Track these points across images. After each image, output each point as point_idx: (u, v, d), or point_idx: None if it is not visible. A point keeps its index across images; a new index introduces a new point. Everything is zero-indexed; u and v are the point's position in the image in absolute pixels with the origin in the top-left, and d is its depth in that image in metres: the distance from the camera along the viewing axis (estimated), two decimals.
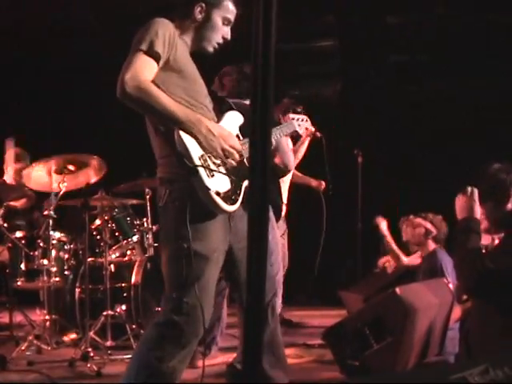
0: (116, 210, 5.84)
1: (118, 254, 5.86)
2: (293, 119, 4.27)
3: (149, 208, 5.93)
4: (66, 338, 5.50)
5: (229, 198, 3.10)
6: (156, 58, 2.98)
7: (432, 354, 4.26)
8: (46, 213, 5.39)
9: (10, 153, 6.39)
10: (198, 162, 2.98)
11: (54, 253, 5.41)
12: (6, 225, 5.66)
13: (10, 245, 5.49)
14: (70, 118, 8.72)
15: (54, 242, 5.44)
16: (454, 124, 8.23)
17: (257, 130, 1.54)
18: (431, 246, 5.40)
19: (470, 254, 3.15)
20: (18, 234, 5.52)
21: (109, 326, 5.29)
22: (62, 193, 5.38)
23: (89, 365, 4.63)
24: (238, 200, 3.16)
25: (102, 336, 5.23)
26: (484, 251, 3.35)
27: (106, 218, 5.65)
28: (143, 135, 3.31)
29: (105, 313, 5.24)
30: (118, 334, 5.32)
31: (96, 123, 8.67)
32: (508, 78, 7.91)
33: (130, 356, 4.97)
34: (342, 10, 8.27)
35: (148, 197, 5.95)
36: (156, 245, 5.96)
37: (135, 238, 5.82)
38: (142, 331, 5.34)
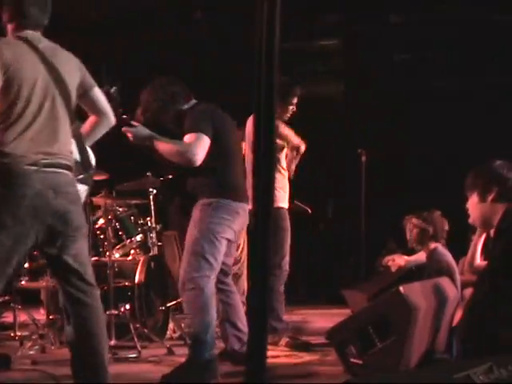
0: (120, 209, 5.84)
1: (121, 253, 5.86)
2: None
3: (152, 207, 5.92)
4: None
5: None
6: None
7: (437, 353, 4.25)
8: None
9: None
10: None
11: None
12: None
13: None
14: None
15: None
16: (458, 122, 8.21)
17: (261, 127, 1.53)
18: (432, 245, 5.36)
19: None
20: None
21: (113, 326, 5.28)
22: None
23: None
24: None
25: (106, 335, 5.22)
26: None
27: (109, 217, 5.65)
28: None
29: (108, 312, 5.23)
30: (121, 334, 5.31)
31: None
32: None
33: (134, 355, 5.01)
34: (346, 9, 8.26)
35: (152, 196, 5.95)
36: (160, 244, 5.96)
37: (139, 238, 5.81)
38: (145, 330, 5.35)
